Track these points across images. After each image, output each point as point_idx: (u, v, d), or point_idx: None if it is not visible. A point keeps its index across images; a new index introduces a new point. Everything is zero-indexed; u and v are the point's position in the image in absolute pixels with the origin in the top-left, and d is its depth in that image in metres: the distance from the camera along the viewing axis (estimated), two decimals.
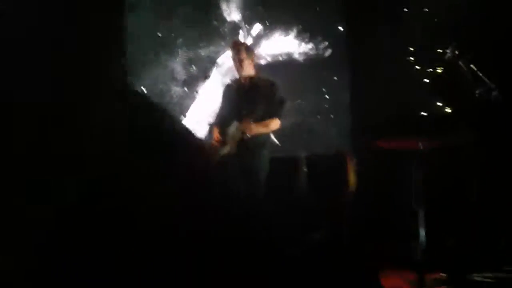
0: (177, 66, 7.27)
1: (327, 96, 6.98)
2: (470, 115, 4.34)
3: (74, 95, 6.24)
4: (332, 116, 6.89)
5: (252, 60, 5.06)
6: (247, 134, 4.81)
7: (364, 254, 4.72)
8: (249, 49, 5.15)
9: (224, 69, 7.22)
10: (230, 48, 5.22)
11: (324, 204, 5.24)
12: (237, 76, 5.16)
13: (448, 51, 4.32)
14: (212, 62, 7.25)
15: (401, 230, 4.69)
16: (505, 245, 4.17)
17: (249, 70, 5.03)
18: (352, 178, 5.43)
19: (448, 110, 5.31)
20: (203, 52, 7.28)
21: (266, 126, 4.93)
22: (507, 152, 4.31)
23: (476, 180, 4.54)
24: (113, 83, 6.60)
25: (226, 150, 4.87)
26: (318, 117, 6.97)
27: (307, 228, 5.06)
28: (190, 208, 5.24)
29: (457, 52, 4.27)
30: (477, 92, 4.07)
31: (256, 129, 4.86)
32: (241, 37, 7.29)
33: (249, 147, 4.86)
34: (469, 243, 4.37)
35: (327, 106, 6.98)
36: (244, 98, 4.95)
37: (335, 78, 6.90)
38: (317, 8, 7.02)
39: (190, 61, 7.29)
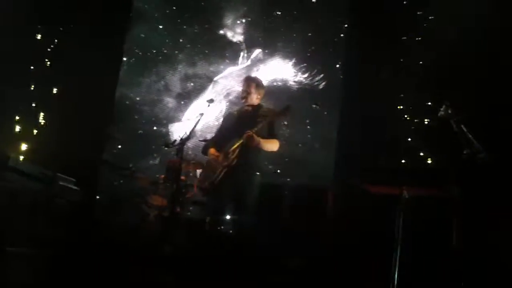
0: (175, 80, 7.54)
1: (309, 127, 7.23)
2: (456, 173, 4.48)
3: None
4: (317, 148, 7.11)
5: (260, 95, 5.24)
6: (248, 143, 4.84)
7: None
8: (259, 85, 5.34)
9: (219, 88, 7.47)
10: (242, 81, 5.41)
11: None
12: (242, 104, 5.32)
13: (441, 108, 4.47)
14: (209, 80, 7.50)
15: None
16: None
17: (254, 101, 5.24)
18: (332, 210, 5.61)
19: (429, 161, 5.56)
20: (201, 70, 7.55)
21: (266, 143, 4.99)
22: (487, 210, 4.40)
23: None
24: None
25: (225, 162, 4.94)
26: (300, 145, 7.17)
27: (289, 252, 5.20)
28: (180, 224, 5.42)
29: (449, 111, 4.43)
30: (464, 152, 4.25)
31: (257, 141, 4.90)
32: (240, 59, 7.54)
33: (244, 169, 4.92)
34: None
35: (310, 137, 7.22)
36: (246, 121, 5.06)
37: (325, 112, 7.16)
38: (313, 47, 7.32)
39: (188, 77, 7.55)
